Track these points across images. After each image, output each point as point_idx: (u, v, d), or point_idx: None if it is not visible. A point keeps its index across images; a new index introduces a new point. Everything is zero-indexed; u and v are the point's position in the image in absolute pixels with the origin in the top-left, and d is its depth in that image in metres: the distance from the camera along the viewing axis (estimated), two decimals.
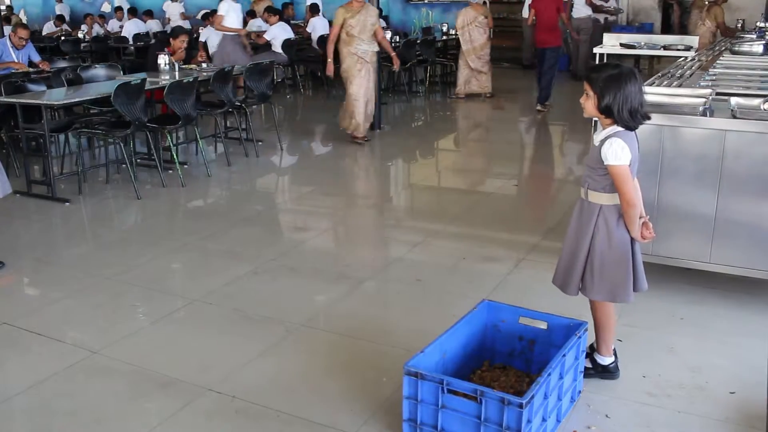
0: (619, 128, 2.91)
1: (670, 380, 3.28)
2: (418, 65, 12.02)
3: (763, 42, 7.35)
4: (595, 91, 2.89)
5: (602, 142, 2.93)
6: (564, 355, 2.83)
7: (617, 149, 2.87)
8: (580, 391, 3.12)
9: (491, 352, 3.24)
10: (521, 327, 3.17)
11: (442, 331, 2.97)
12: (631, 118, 2.88)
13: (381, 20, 10.80)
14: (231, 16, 10.25)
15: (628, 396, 3.16)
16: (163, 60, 7.67)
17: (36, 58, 8.45)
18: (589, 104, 2.94)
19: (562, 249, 3.18)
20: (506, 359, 3.21)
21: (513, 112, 10.96)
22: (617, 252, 3.02)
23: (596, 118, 3.02)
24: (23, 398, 3.22)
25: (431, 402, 2.68)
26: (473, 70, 11.22)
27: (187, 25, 14.40)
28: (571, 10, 12.43)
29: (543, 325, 3.13)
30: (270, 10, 12.60)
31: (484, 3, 11.56)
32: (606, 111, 2.89)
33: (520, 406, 2.50)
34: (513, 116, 10.69)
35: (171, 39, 8.34)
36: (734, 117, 3.84)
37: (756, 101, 4.10)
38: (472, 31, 11.03)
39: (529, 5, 10.96)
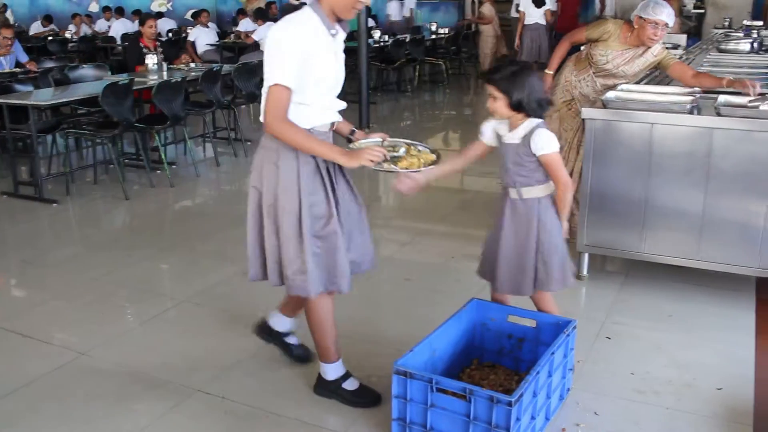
0: (536, 120, 2.94)
1: (658, 377, 3.29)
2: (407, 64, 12.02)
3: (750, 40, 7.39)
4: (503, 90, 2.90)
5: (525, 137, 2.94)
6: (552, 353, 2.83)
7: (549, 138, 2.92)
8: (569, 389, 3.13)
9: (480, 350, 3.24)
10: (510, 325, 3.17)
11: (432, 330, 2.97)
12: (539, 107, 2.93)
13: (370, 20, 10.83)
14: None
15: (616, 393, 3.18)
16: (151, 60, 7.67)
17: (23, 58, 8.40)
18: (499, 105, 2.93)
19: (499, 258, 3.09)
20: (495, 357, 3.22)
21: None
22: (558, 238, 3.06)
23: (506, 118, 2.99)
24: (10, 401, 3.20)
25: (420, 401, 2.68)
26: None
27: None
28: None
29: (532, 324, 3.13)
30: (259, 12, 12.62)
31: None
32: (517, 107, 2.91)
33: (509, 404, 2.50)
34: None
35: (140, 27, 8.37)
36: (719, 115, 3.86)
37: (743, 99, 4.11)
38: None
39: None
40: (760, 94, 4.11)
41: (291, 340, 3.43)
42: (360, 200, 3.06)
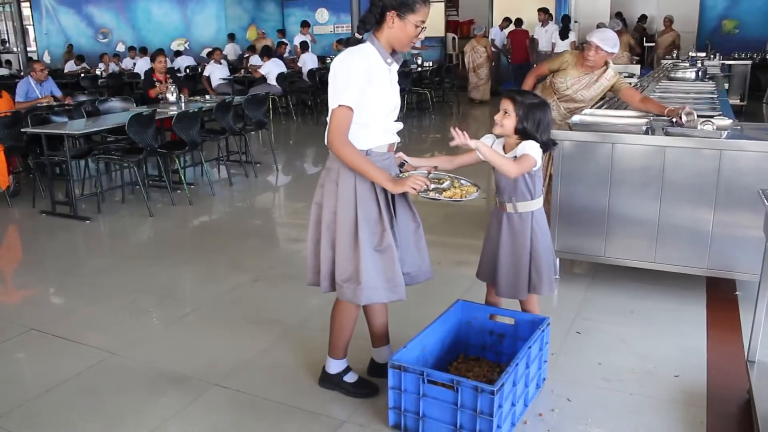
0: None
1: (622, 366, 3.29)
2: None
3: (695, 69, 7.44)
4: (518, 112, 2.85)
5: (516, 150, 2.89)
6: (530, 347, 2.82)
7: (535, 147, 2.84)
8: (544, 379, 3.12)
9: (465, 345, 3.23)
10: (491, 323, 3.17)
11: (422, 328, 2.96)
12: (544, 144, 2.88)
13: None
14: None
15: (586, 381, 3.16)
16: (170, 95, 7.73)
17: (57, 93, 8.39)
18: (508, 122, 2.88)
19: (498, 265, 3.06)
20: (479, 352, 3.21)
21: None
22: (548, 247, 3.04)
23: (506, 136, 2.95)
24: (51, 396, 3.18)
25: (413, 391, 2.67)
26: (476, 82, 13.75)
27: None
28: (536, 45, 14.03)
29: (510, 321, 3.12)
30: (265, 50, 12.67)
31: (485, 36, 13.87)
32: (522, 132, 2.87)
33: (492, 393, 2.49)
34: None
35: (152, 63, 8.43)
36: (667, 134, 3.86)
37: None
38: (473, 55, 13.54)
39: (507, 36, 14.34)
40: (701, 116, 4.12)
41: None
42: (417, 218, 2.97)
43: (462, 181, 2.94)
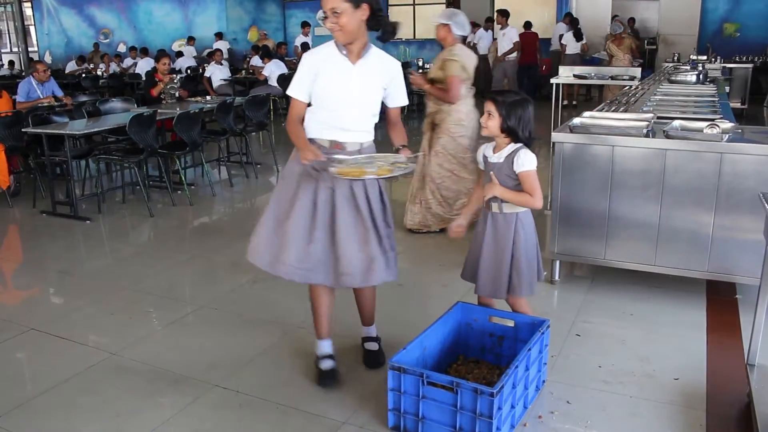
0: (519, 144, 2.94)
1: (622, 369, 3.28)
2: None
3: (696, 72, 7.44)
4: (501, 112, 2.90)
5: (508, 157, 2.93)
6: (529, 349, 2.82)
7: (530, 157, 2.91)
8: (544, 381, 3.12)
9: (465, 347, 3.23)
10: (491, 325, 3.16)
11: (422, 329, 2.96)
12: (529, 137, 2.94)
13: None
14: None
15: (586, 384, 3.16)
16: (174, 85, 7.86)
17: (59, 93, 8.40)
18: (492, 123, 2.94)
19: (480, 263, 3.06)
20: (479, 354, 3.21)
21: None
22: (533, 251, 3.04)
23: (494, 136, 2.99)
24: (51, 396, 3.18)
25: (413, 393, 2.67)
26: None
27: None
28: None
29: (510, 323, 3.12)
30: (264, 51, 12.69)
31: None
32: (507, 130, 2.92)
33: (491, 395, 2.49)
34: None
35: (156, 64, 8.49)
36: (668, 137, 3.86)
37: (699, 124, 4.11)
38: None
39: (515, 43, 13.20)
40: (703, 119, 4.12)
41: (368, 346, 3.39)
42: (368, 222, 2.95)
43: (400, 164, 2.82)
